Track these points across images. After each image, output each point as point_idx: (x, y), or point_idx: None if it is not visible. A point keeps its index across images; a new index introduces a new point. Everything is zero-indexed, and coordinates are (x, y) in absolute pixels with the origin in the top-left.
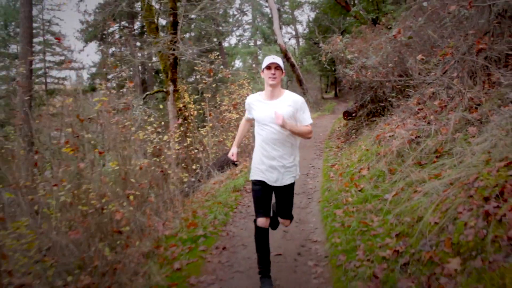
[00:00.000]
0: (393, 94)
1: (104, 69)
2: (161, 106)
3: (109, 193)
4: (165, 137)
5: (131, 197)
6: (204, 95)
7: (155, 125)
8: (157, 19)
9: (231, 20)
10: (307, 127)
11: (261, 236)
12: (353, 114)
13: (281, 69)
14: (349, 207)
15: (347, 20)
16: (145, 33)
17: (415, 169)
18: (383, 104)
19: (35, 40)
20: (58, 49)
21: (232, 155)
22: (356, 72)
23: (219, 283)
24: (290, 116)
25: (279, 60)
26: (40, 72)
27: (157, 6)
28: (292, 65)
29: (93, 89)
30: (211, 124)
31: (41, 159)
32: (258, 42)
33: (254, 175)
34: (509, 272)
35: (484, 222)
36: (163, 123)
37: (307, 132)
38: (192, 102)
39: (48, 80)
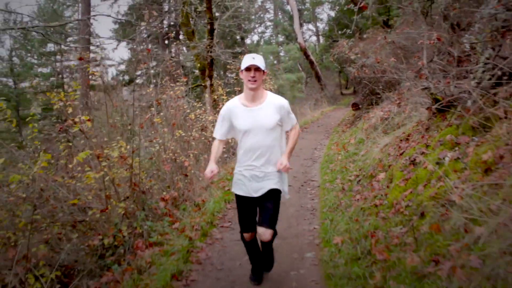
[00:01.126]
0: (381, 88)
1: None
2: (199, 98)
3: (178, 150)
4: (210, 117)
5: (191, 155)
6: (235, 88)
7: (199, 110)
8: (194, 25)
9: (253, 17)
10: (294, 129)
11: (250, 247)
12: (359, 106)
13: (262, 70)
14: (338, 161)
15: (361, 22)
16: (171, 32)
17: (382, 135)
18: (378, 96)
19: (70, 39)
20: (92, 47)
21: (212, 172)
22: (357, 70)
23: None
24: (276, 124)
25: (259, 61)
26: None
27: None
28: (311, 62)
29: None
30: None
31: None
32: (280, 39)
33: (236, 189)
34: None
35: (399, 152)
36: (203, 109)
37: (297, 138)
38: (224, 94)
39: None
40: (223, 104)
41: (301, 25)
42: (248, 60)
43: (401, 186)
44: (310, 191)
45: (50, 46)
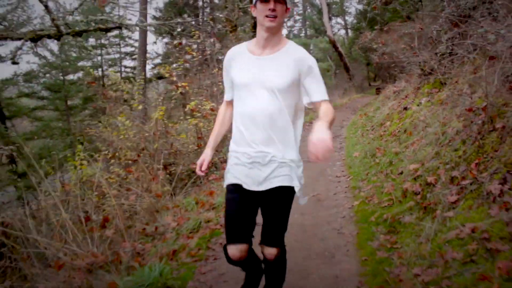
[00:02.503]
0: (396, 70)
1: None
2: None
3: None
4: None
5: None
6: None
7: None
8: (236, 19)
9: None
10: (326, 104)
11: (244, 269)
12: (381, 89)
13: (285, 2)
14: (359, 123)
15: (386, 15)
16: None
17: (391, 101)
18: (394, 76)
19: (110, 34)
20: (130, 41)
21: (201, 166)
22: (379, 57)
23: None
24: (290, 84)
25: None
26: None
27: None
28: (340, 55)
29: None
30: None
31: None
32: (309, 33)
33: (228, 177)
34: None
35: (398, 106)
36: None
37: (334, 113)
38: None
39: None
40: None
41: (330, 19)
42: None
43: (396, 122)
44: (339, 140)
45: (91, 41)
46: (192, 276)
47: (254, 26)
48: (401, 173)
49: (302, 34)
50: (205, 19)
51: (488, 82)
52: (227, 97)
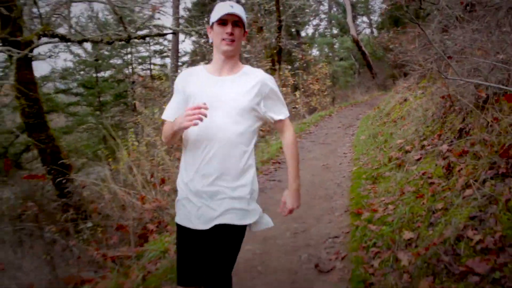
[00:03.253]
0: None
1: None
2: None
3: None
4: (283, 89)
5: None
6: (298, 70)
7: None
8: (263, 21)
9: (307, 10)
10: (289, 125)
11: None
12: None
13: (243, 25)
14: (372, 115)
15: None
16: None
17: (400, 95)
18: (406, 74)
19: (139, 32)
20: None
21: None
22: (394, 56)
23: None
24: (250, 107)
25: (240, 10)
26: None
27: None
28: (363, 54)
29: None
30: (302, 89)
31: None
32: (334, 32)
33: (177, 214)
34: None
35: (402, 99)
36: None
37: (297, 146)
38: (290, 76)
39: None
40: (289, 83)
41: (355, 18)
42: (223, 8)
43: (397, 111)
44: (352, 129)
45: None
46: None
47: (279, 28)
48: (391, 147)
49: (328, 33)
50: None
51: (447, 77)
52: (173, 117)
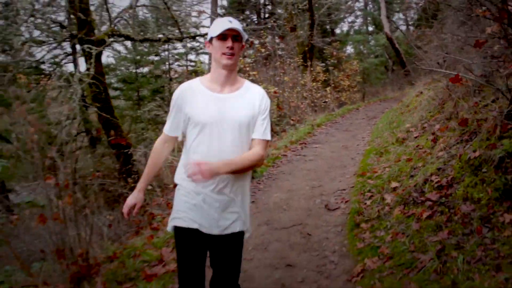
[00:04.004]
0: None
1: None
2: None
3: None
4: (313, 84)
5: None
6: (329, 67)
7: (303, 81)
8: (295, 21)
9: (343, 7)
10: (260, 147)
11: None
12: None
13: (241, 39)
14: (395, 109)
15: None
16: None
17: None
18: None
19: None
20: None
21: (130, 205)
22: (421, 54)
23: None
24: (254, 120)
25: (238, 25)
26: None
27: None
28: (397, 51)
29: None
30: (332, 85)
31: None
32: (370, 29)
33: (180, 219)
34: None
35: (419, 91)
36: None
37: (254, 162)
38: (321, 72)
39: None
40: (320, 80)
41: (391, 15)
42: (223, 23)
43: (413, 103)
44: (375, 120)
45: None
46: None
47: (311, 26)
48: (400, 130)
49: (363, 30)
50: (266, 16)
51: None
52: (172, 132)
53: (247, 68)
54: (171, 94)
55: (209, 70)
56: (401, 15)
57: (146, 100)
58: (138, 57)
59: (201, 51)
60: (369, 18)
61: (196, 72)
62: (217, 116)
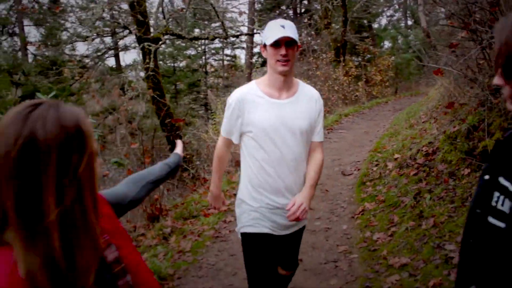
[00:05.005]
0: None
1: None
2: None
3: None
4: (345, 78)
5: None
6: (362, 62)
7: (335, 75)
8: (330, 16)
9: (381, 0)
10: (320, 149)
11: None
12: None
13: (296, 45)
14: (420, 102)
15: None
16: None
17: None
18: None
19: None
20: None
21: (215, 200)
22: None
23: None
24: (314, 123)
25: (291, 30)
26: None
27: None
28: (434, 46)
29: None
30: (364, 80)
31: None
32: (409, 23)
33: (251, 226)
34: None
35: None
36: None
37: (322, 167)
38: (354, 67)
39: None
40: (352, 74)
41: (432, 8)
42: (276, 29)
43: (433, 95)
44: (400, 112)
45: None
46: None
47: (344, 22)
48: (414, 118)
49: (402, 24)
50: (302, 11)
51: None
52: (230, 135)
53: None
54: (207, 87)
55: (248, 67)
56: (442, 9)
57: (182, 94)
58: (176, 52)
59: (236, 45)
60: (408, 12)
61: (232, 67)
62: (277, 122)
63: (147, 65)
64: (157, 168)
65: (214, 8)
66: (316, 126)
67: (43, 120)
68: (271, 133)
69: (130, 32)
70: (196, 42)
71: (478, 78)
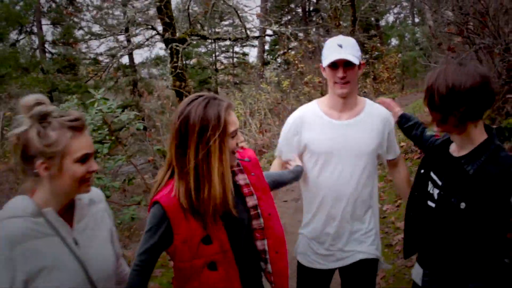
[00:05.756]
0: None
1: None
2: None
3: None
4: None
5: None
6: (370, 59)
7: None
8: (340, 15)
9: None
10: (401, 160)
11: None
12: None
13: (357, 65)
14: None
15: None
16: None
17: None
18: None
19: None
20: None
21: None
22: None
23: None
24: (379, 145)
25: (350, 51)
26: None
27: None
28: (439, 44)
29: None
30: (372, 77)
31: None
32: (416, 20)
33: (306, 258)
34: None
35: None
36: None
37: (409, 183)
38: None
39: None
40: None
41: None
42: (333, 49)
43: None
44: (406, 106)
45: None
46: None
47: (353, 22)
48: (419, 112)
49: (409, 22)
50: (310, 9)
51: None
52: (286, 156)
53: (296, 61)
54: (217, 85)
55: (261, 61)
56: (447, 12)
57: (193, 91)
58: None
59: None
60: (415, 9)
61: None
62: (336, 145)
63: (175, 64)
64: (286, 173)
65: (236, 11)
66: (388, 146)
67: (197, 107)
68: (329, 157)
69: (158, 34)
70: (206, 40)
71: None
